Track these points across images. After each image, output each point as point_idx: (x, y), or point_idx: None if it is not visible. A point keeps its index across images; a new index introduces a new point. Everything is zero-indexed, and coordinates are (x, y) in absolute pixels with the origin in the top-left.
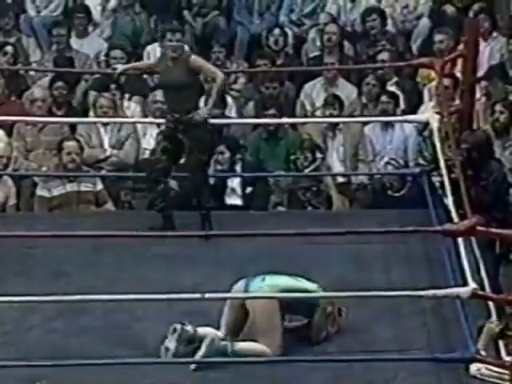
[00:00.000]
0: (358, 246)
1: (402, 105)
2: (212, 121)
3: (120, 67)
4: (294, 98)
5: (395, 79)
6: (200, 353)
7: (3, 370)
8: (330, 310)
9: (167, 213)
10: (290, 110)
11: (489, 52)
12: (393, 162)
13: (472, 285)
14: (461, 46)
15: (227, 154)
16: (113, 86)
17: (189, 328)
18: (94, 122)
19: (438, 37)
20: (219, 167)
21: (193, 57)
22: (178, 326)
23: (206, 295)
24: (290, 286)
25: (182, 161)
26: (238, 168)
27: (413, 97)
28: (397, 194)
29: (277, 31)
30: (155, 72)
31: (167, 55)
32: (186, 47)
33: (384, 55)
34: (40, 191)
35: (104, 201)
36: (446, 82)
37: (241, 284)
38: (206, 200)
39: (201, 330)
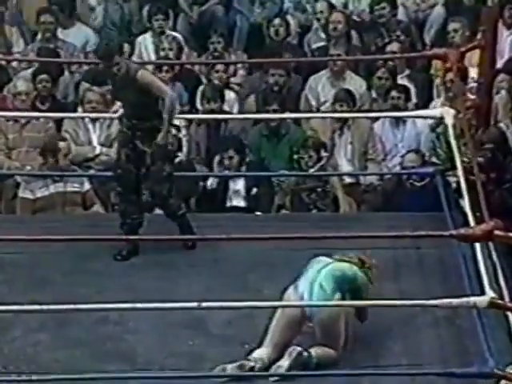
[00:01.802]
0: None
1: (415, 99)
2: (211, 116)
3: None
4: (297, 91)
5: (407, 72)
6: (283, 367)
7: None
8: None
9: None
10: (293, 105)
11: (511, 41)
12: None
13: (490, 293)
14: (478, 36)
15: (236, 159)
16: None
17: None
18: (82, 118)
19: (452, 26)
20: (227, 172)
21: (140, 72)
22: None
23: (203, 304)
24: (344, 276)
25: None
26: (244, 170)
27: (426, 90)
28: (418, 184)
29: (277, 21)
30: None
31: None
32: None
33: (394, 46)
34: (23, 192)
35: (92, 202)
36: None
37: (293, 291)
38: (177, 208)
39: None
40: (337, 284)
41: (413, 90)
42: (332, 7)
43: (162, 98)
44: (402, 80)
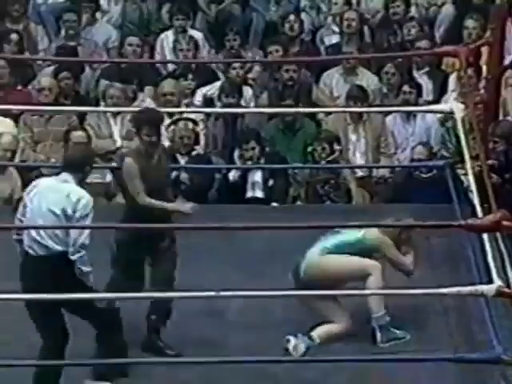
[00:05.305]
0: None
1: (431, 95)
2: (229, 110)
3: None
4: (309, 86)
5: (427, 68)
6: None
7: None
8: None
9: None
10: (307, 100)
11: None
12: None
13: (497, 282)
14: (487, 34)
15: (257, 149)
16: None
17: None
18: (104, 112)
19: (468, 22)
20: (250, 163)
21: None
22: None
23: (221, 293)
24: (336, 246)
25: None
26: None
27: (443, 86)
28: (425, 175)
29: (292, 17)
30: None
31: None
32: None
33: (423, 43)
34: None
35: (114, 193)
36: (469, 71)
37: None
38: None
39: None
40: (333, 246)
41: (431, 87)
42: (347, 3)
43: None
44: (421, 76)
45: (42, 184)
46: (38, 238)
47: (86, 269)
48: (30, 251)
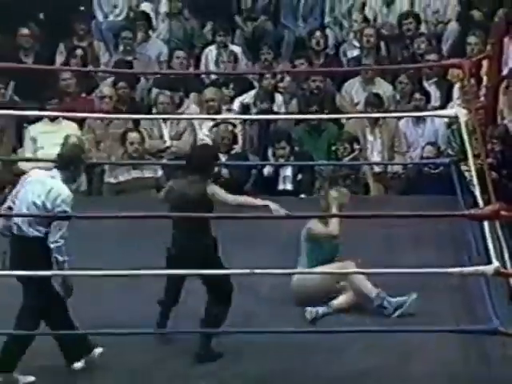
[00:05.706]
0: (391, 229)
1: (439, 101)
2: (263, 116)
3: None
4: (332, 94)
5: (435, 79)
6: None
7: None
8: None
9: None
10: (330, 106)
11: None
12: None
13: (495, 263)
14: (488, 48)
15: (287, 148)
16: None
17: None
18: (155, 118)
19: (471, 39)
20: (281, 160)
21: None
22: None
23: (256, 271)
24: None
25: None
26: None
27: (449, 94)
28: (433, 171)
29: (318, 33)
30: None
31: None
32: None
33: (432, 56)
34: (108, 178)
35: (163, 186)
36: (471, 81)
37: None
38: None
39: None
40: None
41: (438, 94)
42: (365, 19)
43: None
44: (430, 85)
45: (35, 175)
46: (25, 225)
47: (61, 258)
48: (14, 231)
